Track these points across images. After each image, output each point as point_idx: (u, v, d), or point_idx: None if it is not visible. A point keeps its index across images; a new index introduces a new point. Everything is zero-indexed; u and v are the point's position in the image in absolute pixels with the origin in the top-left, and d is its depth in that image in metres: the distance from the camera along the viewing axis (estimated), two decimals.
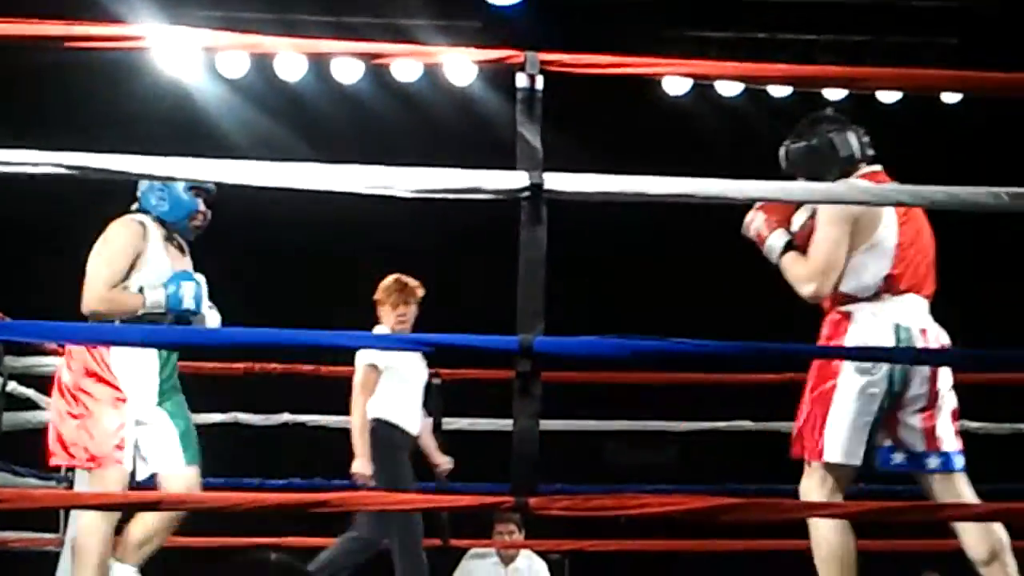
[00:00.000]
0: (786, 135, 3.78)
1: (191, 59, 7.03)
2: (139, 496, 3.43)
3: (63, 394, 3.85)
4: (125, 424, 3.83)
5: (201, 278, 4.14)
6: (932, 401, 3.63)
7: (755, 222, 3.71)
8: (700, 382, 5.66)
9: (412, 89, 7.43)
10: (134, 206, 4.13)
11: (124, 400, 3.85)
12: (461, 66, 6.97)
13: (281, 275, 8.23)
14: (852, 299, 3.62)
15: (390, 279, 5.26)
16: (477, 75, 7.14)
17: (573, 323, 3.09)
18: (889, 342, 3.56)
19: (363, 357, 4.91)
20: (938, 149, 7.29)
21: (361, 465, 5.00)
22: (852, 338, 3.59)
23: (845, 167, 3.61)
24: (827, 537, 3.57)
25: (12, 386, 5.18)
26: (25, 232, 7.57)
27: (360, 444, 5.05)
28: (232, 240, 7.99)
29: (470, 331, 3.08)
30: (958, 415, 3.71)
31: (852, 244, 3.56)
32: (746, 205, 3.75)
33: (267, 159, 3.00)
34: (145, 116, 7.29)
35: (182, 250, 4.19)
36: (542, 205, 2.86)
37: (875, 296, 3.60)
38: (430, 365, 5.24)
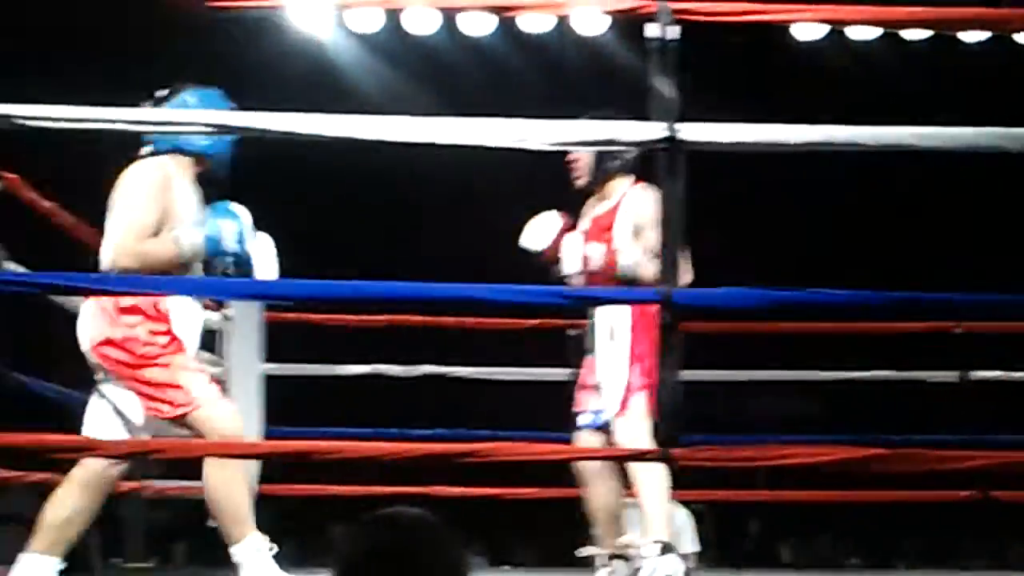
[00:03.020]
0: (922, 79, 3.76)
1: (324, 15, 7.12)
2: (283, 446, 3.51)
3: None
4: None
5: (242, 209, 3.69)
6: None
7: (595, 252, 4.01)
8: (841, 331, 5.61)
9: (543, 40, 7.42)
10: (146, 149, 3.63)
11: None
12: (592, 16, 6.95)
13: (414, 228, 8.34)
14: None
15: None
16: (608, 25, 7.10)
17: (714, 273, 3.10)
18: None
19: None
20: None
21: None
22: None
23: None
24: (658, 474, 3.78)
25: None
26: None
27: None
28: (362, 193, 8.17)
29: None
30: None
31: None
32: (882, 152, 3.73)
33: (399, 114, 3.05)
34: (280, 73, 7.43)
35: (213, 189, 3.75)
36: (679, 156, 2.86)
37: None
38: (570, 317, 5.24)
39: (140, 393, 3.40)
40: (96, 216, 4.07)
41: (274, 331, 5.38)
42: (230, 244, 3.56)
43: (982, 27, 3.95)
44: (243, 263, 3.61)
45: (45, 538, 3.37)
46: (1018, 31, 5.18)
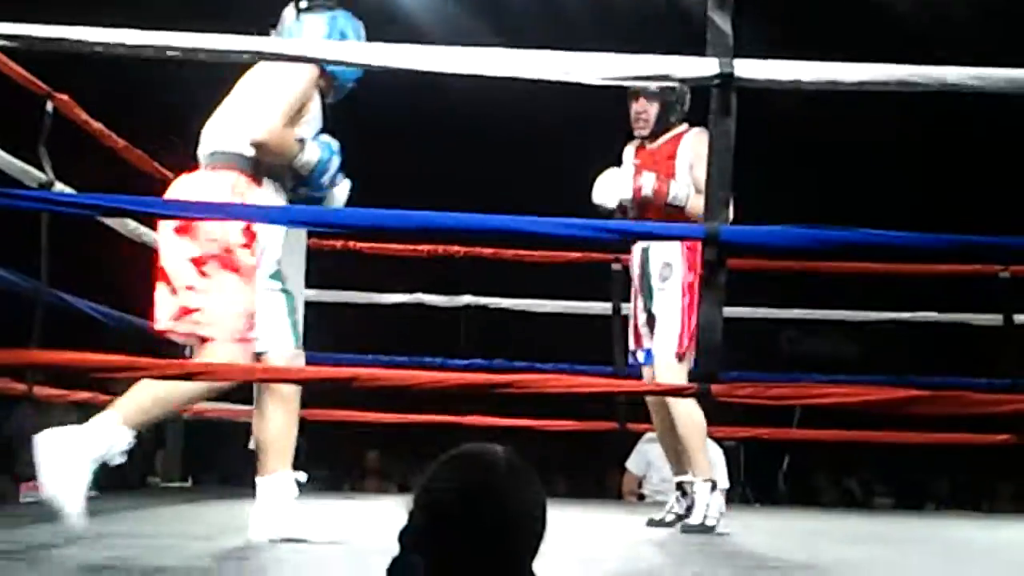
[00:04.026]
0: (983, 19, 3.67)
1: None
2: (323, 372, 3.53)
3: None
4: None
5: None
6: None
7: (647, 181, 4.15)
8: (884, 272, 5.58)
9: None
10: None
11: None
12: None
13: (466, 159, 8.32)
14: None
15: None
16: None
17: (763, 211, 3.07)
18: None
19: None
20: None
21: None
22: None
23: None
24: (691, 413, 4.12)
25: None
26: None
27: None
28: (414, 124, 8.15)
29: None
30: None
31: None
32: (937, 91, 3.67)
33: (453, 44, 3.02)
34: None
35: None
36: (732, 93, 2.83)
37: None
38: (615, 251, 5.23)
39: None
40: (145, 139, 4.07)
41: (317, 257, 5.39)
42: (328, 179, 3.54)
43: None
44: (319, 200, 3.60)
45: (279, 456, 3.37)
46: None
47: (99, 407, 4.54)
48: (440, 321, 6.10)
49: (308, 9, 3.61)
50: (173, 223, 3.29)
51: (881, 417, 4.08)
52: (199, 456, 5.88)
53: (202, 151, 3.48)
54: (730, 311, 4.94)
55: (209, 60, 2.94)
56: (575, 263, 5.71)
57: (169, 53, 2.87)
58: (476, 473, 1.61)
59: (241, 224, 3.29)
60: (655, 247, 4.22)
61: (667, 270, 4.18)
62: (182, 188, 3.39)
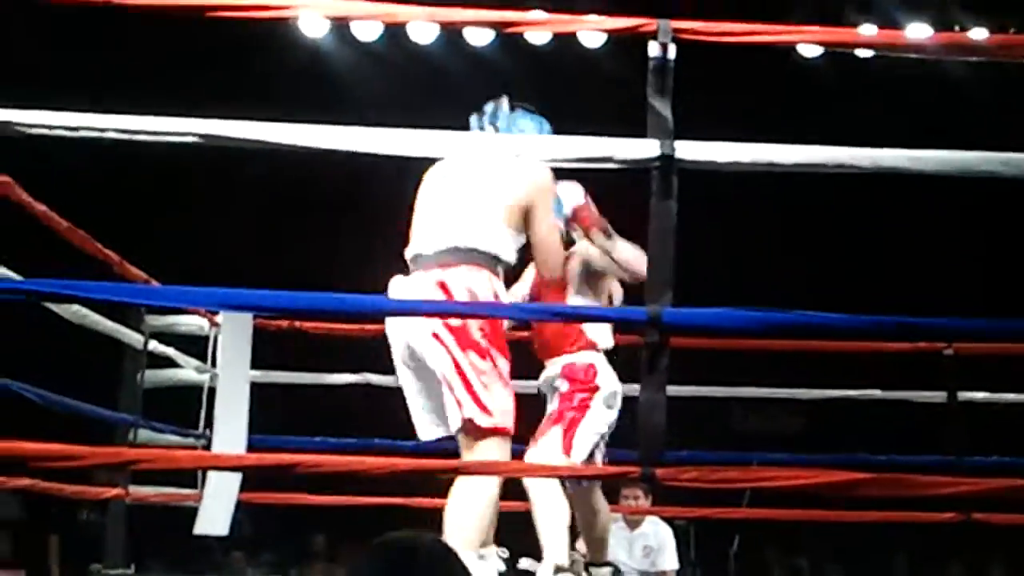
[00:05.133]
0: (927, 99, 3.73)
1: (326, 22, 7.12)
2: (266, 459, 3.48)
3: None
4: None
5: None
6: None
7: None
8: (828, 350, 5.61)
9: (542, 53, 7.43)
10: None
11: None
12: (592, 33, 6.96)
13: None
14: None
15: None
16: (606, 40, 7.11)
17: (702, 292, 3.08)
18: None
19: None
20: None
21: None
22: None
23: None
24: (560, 502, 3.99)
25: (153, 344, 5.32)
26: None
27: None
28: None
29: None
30: None
31: None
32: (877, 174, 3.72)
33: (398, 123, 3.03)
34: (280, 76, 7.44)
35: None
36: (673, 175, 2.85)
37: None
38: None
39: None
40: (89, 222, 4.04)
41: (263, 338, 5.35)
42: None
43: (984, 53, 3.89)
44: None
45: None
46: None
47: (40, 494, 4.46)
48: (388, 402, 6.06)
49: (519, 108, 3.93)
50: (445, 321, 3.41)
51: (831, 497, 4.08)
52: (143, 542, 5.78)
53: (437, 247, 3.58)
54: (680, 390, 5.00)
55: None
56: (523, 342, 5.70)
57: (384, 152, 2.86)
58: (397, 562, 1.62)
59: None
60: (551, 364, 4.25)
61: (558, 387, 4.22)
62: (429, 287, 3.49)
